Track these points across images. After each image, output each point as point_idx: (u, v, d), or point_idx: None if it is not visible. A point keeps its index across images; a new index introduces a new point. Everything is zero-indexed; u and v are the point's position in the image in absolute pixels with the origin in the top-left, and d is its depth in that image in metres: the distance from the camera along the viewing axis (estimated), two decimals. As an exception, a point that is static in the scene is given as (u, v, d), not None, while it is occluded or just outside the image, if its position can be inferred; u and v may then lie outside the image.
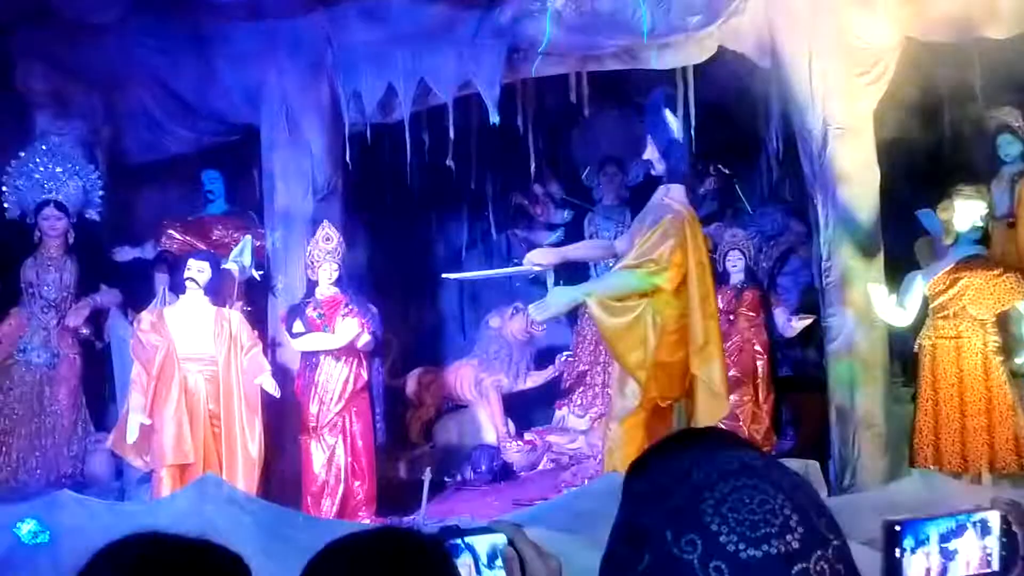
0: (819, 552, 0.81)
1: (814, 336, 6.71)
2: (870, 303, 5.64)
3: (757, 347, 6.42)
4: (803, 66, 5.91)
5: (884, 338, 5.91)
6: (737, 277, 6.54)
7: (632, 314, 4.78)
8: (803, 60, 5.91)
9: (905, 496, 4.81)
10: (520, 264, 5.39)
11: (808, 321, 6.44)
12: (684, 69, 6.49)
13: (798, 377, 7.12)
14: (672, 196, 4.98)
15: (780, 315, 6.50)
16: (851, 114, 5.93)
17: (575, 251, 5.39)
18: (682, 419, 5.00)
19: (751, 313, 6.47)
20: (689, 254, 4.84)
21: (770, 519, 0.81)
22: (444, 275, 6.00)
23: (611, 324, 4.82)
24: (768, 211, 7.86)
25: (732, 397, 6.31)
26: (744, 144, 7.54)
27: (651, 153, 5.10)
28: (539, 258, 5.24)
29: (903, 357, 6.21)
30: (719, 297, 6.46)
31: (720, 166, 7.66)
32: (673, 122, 5.10)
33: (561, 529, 3.65)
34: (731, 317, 6.46)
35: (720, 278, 6.61)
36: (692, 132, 6.63)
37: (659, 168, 5.06)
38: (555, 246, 6.37)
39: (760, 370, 6.43)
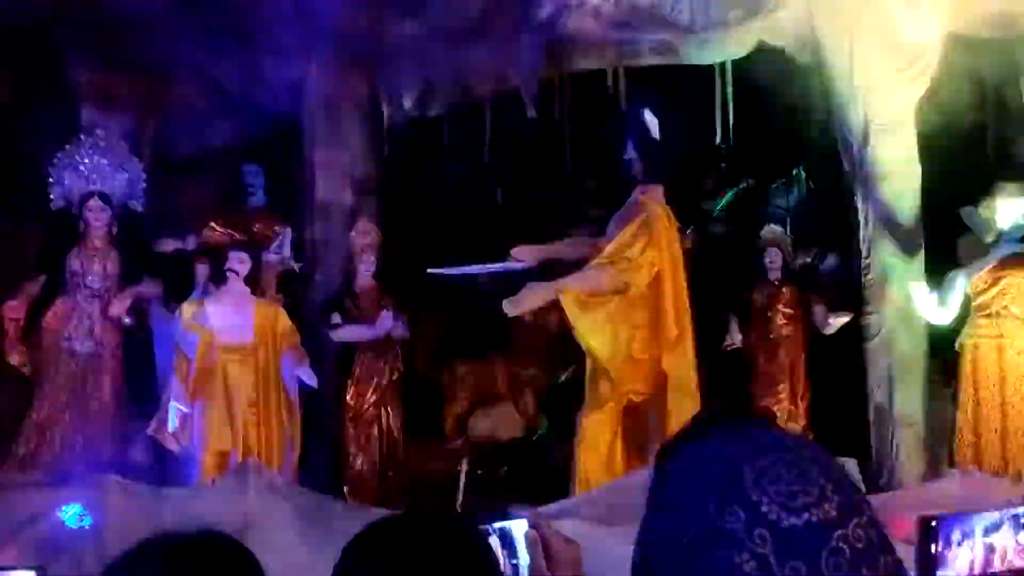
0: (855, 519, 0.84)
1: (852, 333, 6.64)
2: (910, 301, 5.59)
3: (795, 344, 6.38)
4: (844, 61, 5.86)
5: (924, 337, 5.85)
6: (775, 274, 6.50)
7: (604, 310, 4.86)
8: (844, 55, 5.86)
9: (944, 495, 4.77)
10: (505, 261, 5.42)
11: (846, 318, 6.39)
12: (722, 64, 6.46)
13: (836, 375, 7.06)
14: (648, 195, 5.03)
15: (818, 312, 6.45)
16: (893, 110, 5.87)
17: (559, 249, 5.42)
18: (655, 416, 5.02)
19: (788, 310, 6.42)
20: (663, 252, 4.89)
21: (808, 489, 0.85)
22: (429, 270, 6.08)
23: (583, 319, 4.90)
24: (806, 207, 7.80)
25: (771, 394, 6.31)
26: (782, 139, 7.48)
27: (630, 152, 5.16)
28: (522, 254, 5.30)
29: (943, 356, 6.14)
30: (757, 294, 6.45)
31: (758, 162, 7.60)
32: (652, 122, 5.13)
33: (595, 522, 3.67)
34: (768, 314, 6.42)
35: (758, 274, 6.58)
36: (731, 127, 6.61)
37: (638, 168, 5.09)
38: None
39: (797, 367, 6.39)
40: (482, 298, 8.77)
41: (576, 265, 5.06)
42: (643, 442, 5.03)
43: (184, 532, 1.05)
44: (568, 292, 4.90)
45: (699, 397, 5.06)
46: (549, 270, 5.26)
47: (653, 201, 5.01)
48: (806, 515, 0.83)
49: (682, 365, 4.89)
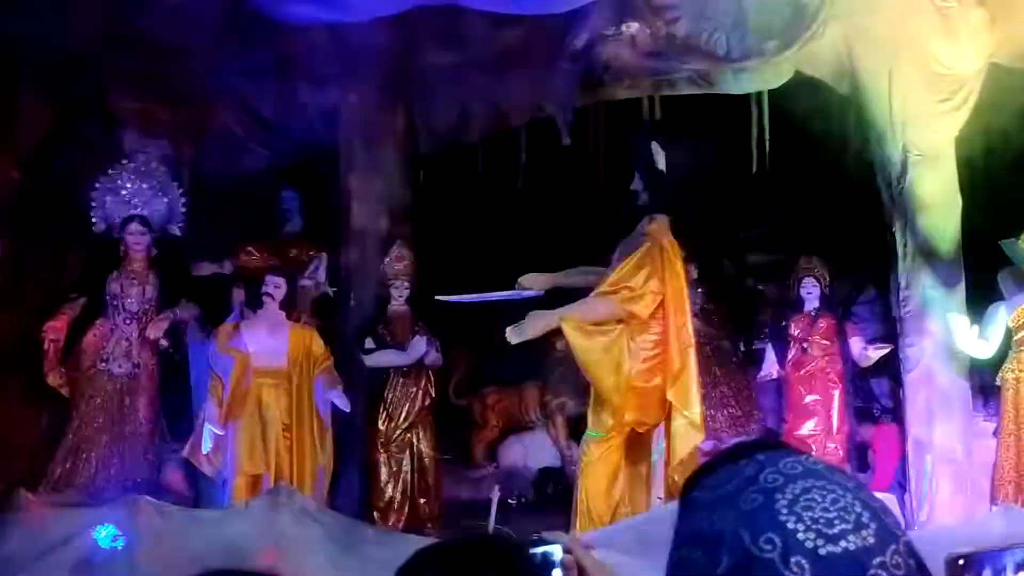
0: (893, 546, 0.84)
1: (891, 366, 6.55)
2: (950, 334, 5.50)
3: (831, 376, 6.30)
4: (883, 92, 5.82)
5: (964, 370, 5.76)
6: (812, 304, 6.43)
7: (607, 339, 4.87)
8: (883, 86, 5.82)
9: (985, 533, 4.66)
10: (515, 288, 5.48)
11: (885, 350, 6.30)
12: (759, 94, 6.45)
13: (874, 408, 6.96)
14: (654, 226, 5.05)
15: (856, 344, 6.37)
16: (932, 141, 5.82)
17: (567, 276, 5.44)
18: (659, 446, 5.01)
19: (826, 341, 6.35)
20: (666, 283, 4.90)
21: (844, 516, 0.84)
22: (437, 297, 6.13)
23: (586, 348, 4.91)
24: (844, 238, 7.72)
25: (807, 426, 6.23)
26: (820, 170, 7.44)
27: (636, 184, 5.18)
28: (530, 282, 5.33)
29: (984, 390, 6.03)
30: (794, 324, 6.39)
31: (794, 192, 7.56)
32: (658, 153, 5.16)
33: (627, 552, 3.62)
34: (805, 345, 6.35)
35: (795, 305, 6.52)
36: (767, 156, 6.59)
37: (643, 198, 5.13)
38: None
39: (834, 399, 6.30)
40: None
41: (584, 293, 5.07)
42: (646, 473, 5.02)
43: (245, 572, 1.03)
44: (570, 320, 4.92)
45: (703, 428, 5.04)
46: (557, 298, 5.26)
47: (658, 232, 5.04)
48: (844, 543, 0.82)
49: (685, 395, 4.88)
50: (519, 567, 1.08)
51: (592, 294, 4.99)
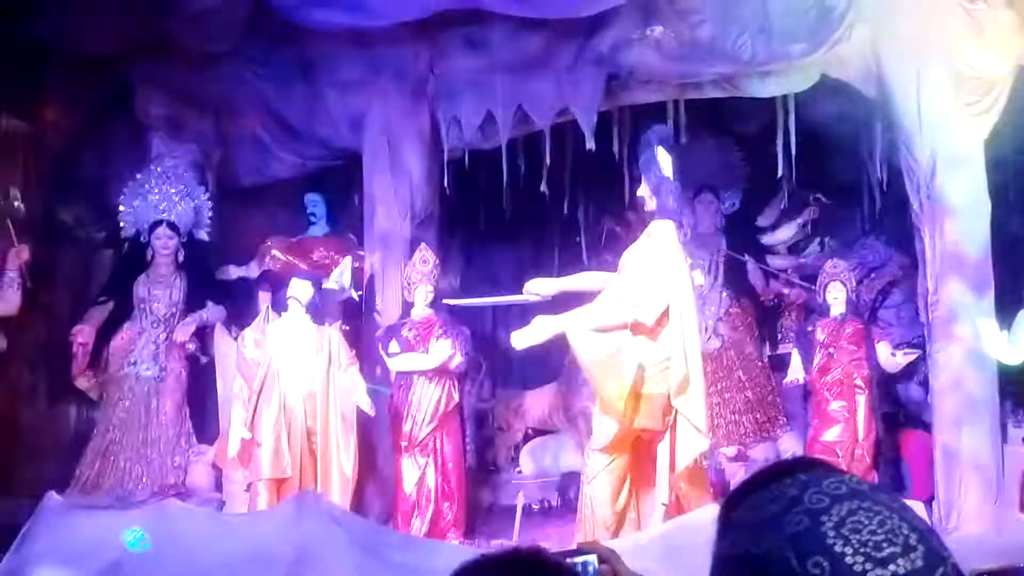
0: (941, 569, 0.83)
1: (919, 372, 6.49)
2: (979, 339, 5.44)
3: (858, 382, 6.24)
4: (911, 95, 5.76)
5: (994, 376, 5.68)
6: (838, 309, 6.37)
7: (612, 346, 4.84)
8: (911, 89, 5.76)
9: (1014, 541, 4.61)
10: (520, 293, 5.48)
11: (913, 356, 6.24)
12: (785, 97, 6.41)
13: (901, 414, 6.90)
14: (661, 232, 5.04)
15: (883, 349, 6.31)
16: (960, 144, 5.76)
17: (574, 282, 5.43)
18: (664, 453, 4.97)
19: (852, 347, 6.29)
20: (672, 288, 4.88)
21: (892, 539, 0.83)
22: (445, 300, 6.12)
23: (591, 355, 4.90)
24: (870, 242, 7.67)
25: (833, 432, 6.18)
26: (846, 174, 7.39)
27: (644, 190, 5.17)
28: (537, 287, 5.32)
29: (1015, 396, 5.95)
30: (821, 329, 6.34)
31: (820, 196, 7.51)
32: (665, 160, 5.14)
33: (657, 560, 3.61)
34: (831, 351, 6.30)
35: (820, 310, 6.48)
36: (792, 160, 6.55)
37: (651, 205, 5.11)
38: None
39: (861, 406, 6.24)
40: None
41: (591, 299, 5.07)
42: (651, 480, 5.00)
43: None
44: (575, 326, 4.92)
45: (709, 435, 5.02)
46: (564, 304, 5.26)
47: (664, 238, 5.02)
48: (893, 566, 0.81)
49: (691, 402, 4.84)
50: None
51: (597, 300, 5.00)
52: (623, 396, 4.78)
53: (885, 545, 0.82)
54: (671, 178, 5.10)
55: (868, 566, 0.81)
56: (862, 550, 0.82)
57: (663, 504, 4.88)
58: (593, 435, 5.10)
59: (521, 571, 1.06)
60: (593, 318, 4.92)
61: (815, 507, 0.86)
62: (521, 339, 5.08)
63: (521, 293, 5.39)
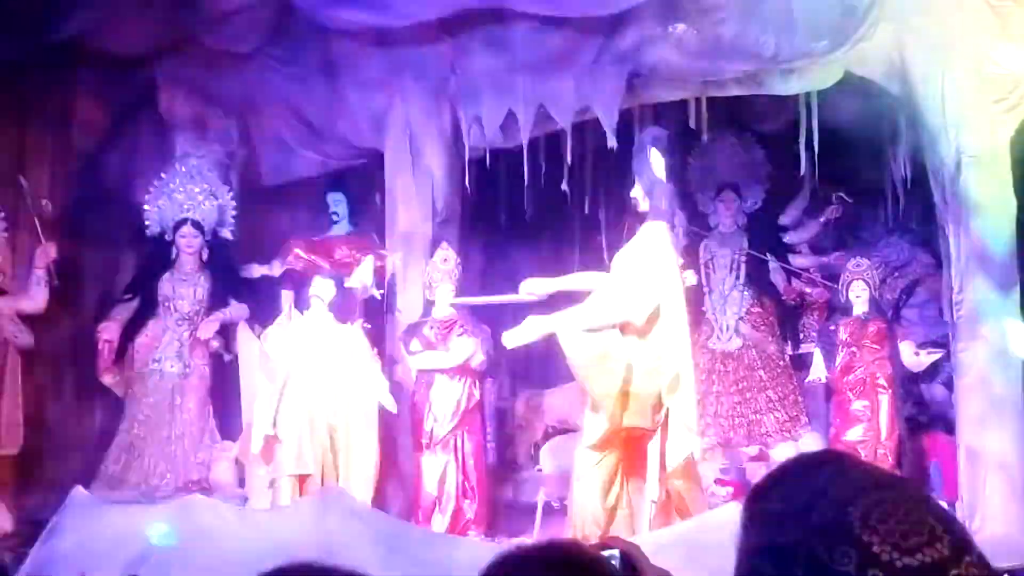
0: (967, 558, 0.84)
1: (942, 372, 6.44)
2: (1005, 339, 5.39)
3: (881, 381, 6.20)
4: (935, 92, 5.72)
5: (1019, 375, 5.64)
6: (861, 308, 6.34)
7: (601, 345, 4.89)
8: (936, 86, 5.72)
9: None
10: (517, 292, 5.59)
11: (937, 355, 6.20)
12: (808, 95, 6.38)
13: (925, 414, 6.84)
14: (652, 233, 5.09)
15: (907, 348, 6.26)
16: (986, 142, 5.71)
17: (571, 282, 5.50)
18: (654, 451, 5.03)
19: (875, 346, 6.26)
20: (663, 288, 4.92)
21: (918, 528, 0.84)
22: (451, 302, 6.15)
23: (580, 354, 4.95)
24: (894, 241, 7.61)
25: (855, 432, 6.15)
26: (869, 172, 7.34)
27: (637, 191, 5.22)
28: (534, 287, 5.39)
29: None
30: (843, 328, 6.31)
31: (843, 194, 7.46)
32: (658, 162, 5.20)
33: (680, 558, 3.61)
34: (854, 350, 6.26)
35: (843, 309, 6.44)
36: (815, 159, 6.51)
37: (644, 206, 5.16)
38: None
39: (884, 405, 6.21)
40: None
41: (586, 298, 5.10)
42: (643, 477, 5.04)
43: (330, 569, 1.03)
44: (565, 326, 4.97)
45: (699, 434, 5.09)
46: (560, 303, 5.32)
47: (655, 238, 5.08)
48: (919, 555, 0.82)
49: (681, 401, 4.90)
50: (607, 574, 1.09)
51: (588, 300, 5.06)
52: (612, 395, 4.85)
53: (912, 535, 0.83)
54: (664, 180, 5.17)
55: (895, 555, 0.82)
56: (889, 540, 0.83)
57: (652, 501, 4.94)
58: (584, 433, 5.18)
59: (559, 564, 1.07)
60: (583, 318, 4.99)
61: (842, 498, 0.87)
62: (512, 338, 5.19)
63: (527, 293, 5.46)
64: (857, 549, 0.83)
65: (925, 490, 0.93)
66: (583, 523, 4.96)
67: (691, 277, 5.68)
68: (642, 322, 4.88)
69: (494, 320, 6.85)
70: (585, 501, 4.99)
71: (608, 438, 4.95)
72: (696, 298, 7.49)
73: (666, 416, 4.94)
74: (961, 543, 0.84)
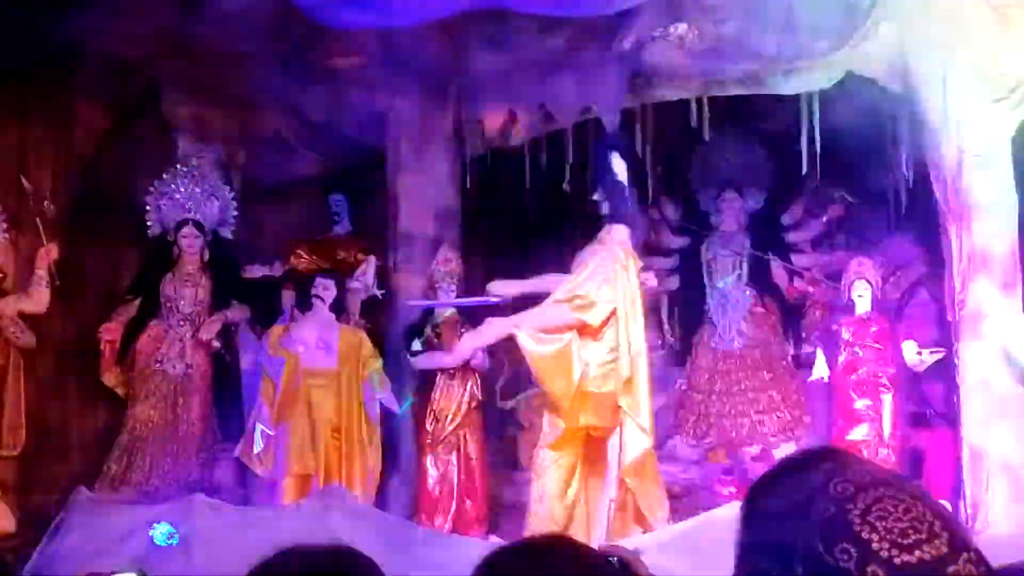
0: (965, 555, 0.85)
1: (945, 371, 6.43)
2: (1007, 338, 5.39)
3: (884, 381, 6.20)
4: (937, 91, 5.72)
5: (1022, 375, 5.62)
6: (863, 308, 6.33)
7: (558, 346, 5.01)
8: (937, 85, 5.72)
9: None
10: (482, 295, 5.72)
11: (939, 355, 6.19)
12: (810, 94, 6.38)
13: (927, 414, 6.84)
14: (611, 236, 5.20)
15: (909, 348, 6.26)
16: (988, 141, 5.70)
17: (535, 284, 5.57)
18: (613, 451, 5.12)
19: (878, 345, 6.26)
20: (619, 292, 5.03)
21: (917, 526, 0.85)
22: (408, 302, 6.18)
23: (538, 354, 5.07)
24: (895, 240, 7.60)
25: (858, 431, 6.15)
26: (871, 171, 7.33)
27: (599, 195, 5.33)
28: (499, 289, 5.53)
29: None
30: (846, 328, 6.31)
31: (845, 194, 7.46)
32: (619, 165, 5.32)
33: (682, 558, 3.61)
34: (856, 349, 6.26)
35: (846, 309, 6.44)
36: (817, 158, 6.51)
37: (605, 209, 5.27)
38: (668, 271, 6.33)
39: (886, 405, 6.21)
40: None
41: None
42: (600, 477, 5.13)
43: (318, 546, 1.07)
44: (524, 328, 5.09)
45: (653, 434, 5.16)
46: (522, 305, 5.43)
47: (614, 241, 5.18)
48: (919, 552, 0.83)
49: (635, 401, 5.01)
50: (604, 571, 1.09)
51: (546, 302, 5.16)
52: (568, 395, 4.96)
53: (911, 532, 0.84)
54: (625, 183, 5.28)
55: (894, 552, 0.83)
56: (888, 537, 0.84)
57: (610, 500, 5.03)
58: (543, 432, 5.28)
59: (556, 556, 1.07)
60: (541, 319, 5.11)
61: (841, 495, 0.88)
62: (471, 340, 5.34)
63: (488, 295, 5.58)
64: (857, 546, 0.84)
65: (923, 487, 0.93)
66: (541, 521, 5.05)
67: (651, 279, 5.81)
68: (598, 323, 4.99)
69: (480, 322, 6.86)
70: (544, 499, 5.09)
71: (566, 437, 5.06)
72: (697, 298, 7.51)
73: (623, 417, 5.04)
74: (959, 540, 0.85)
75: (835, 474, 0.91)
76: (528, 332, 5.05)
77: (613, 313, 4.99)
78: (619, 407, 5.00)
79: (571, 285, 5.08)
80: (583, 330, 5.00)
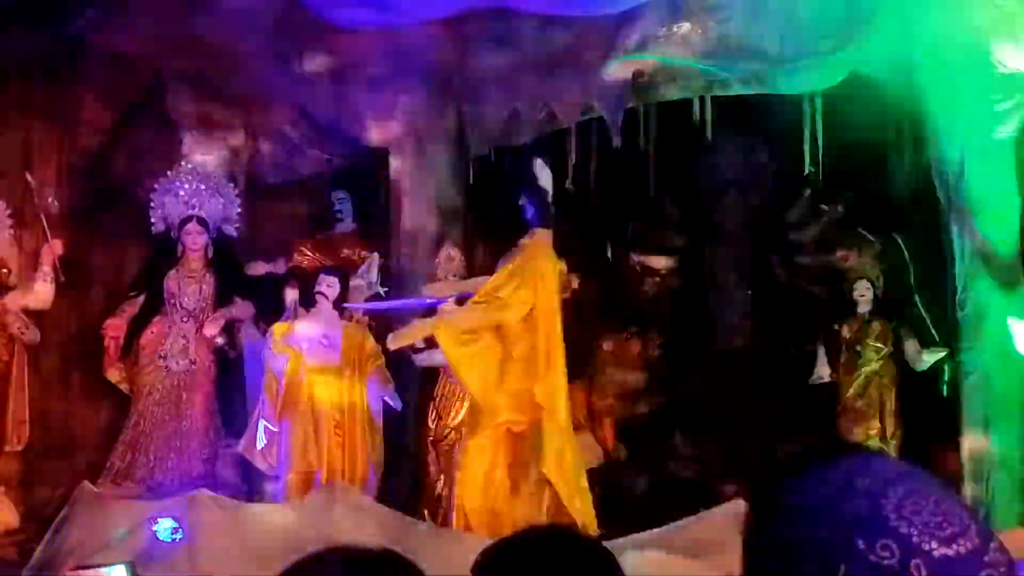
0: (992, 544, 0.85)
1: (946, 370, 6.44)
2: (1009, 338, 5.40)
3: (885, 380, 6.22)
4: (940, 91, 5.73)
5: (1023, 375, 5.63)
6: (865, 307, 6.35)
7: (476, 344, 5.25)
8: (940, 85, 5.73)
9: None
10: (419, 296, 5.98)
11: (941, 354, 6.20)
12: (812, 94, 6.38)
13: (928, 412, 6.84)
14: (533, 239, 5.39)
15: (910, 347, 6.27)
16: (990, 141, 5.71)
17: (467, 284, 5.79)
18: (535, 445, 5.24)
19: (879, 344, 6.27)
20: (537, 292, 5.23)
21: (950, 519, 0.85)
22: (344, 304, 6.24)
23: (457, 353, 5.31)
24: (897, 240, 7.60)
25: (859, 430, 6.16)
26: (874, 170, 7.34)
27: (523, 200, 5.52)
28: (434, 291, 5.80)
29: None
30: (846, 327, 6.31)
31: (847, 193, 7.46)
32: (543, 171, 5.52)
33: (681, 554, 3.62)
34: (858, 348, 6.27)
35: (847, 308, 6.44)
36: (820, 158, 6.52)
37: (529, 213, 5.46)
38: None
39: (888, 404, 6.22)
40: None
41: None
42: (523, 471, 5.24)
43: (361, 547, 1.05)
44: (444, 328, 5.32)
45: (569, 429, 5.35)
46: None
47: (535, 244, 5.35)
48: (955, 545, 0.83)
49: (553, 398, 5.18)
50: (602, 560, 1.10)
51: (468, 302, 5.37)
52: (487, 392, 5.18)
53: (945, 525, 0.84)
54: (548, 189, 5.49)
55: (934, 544, 0.83)
56: (925, 530, 0.84)
57: (531, 494, 5.14)
58: (466, 428, 5.47)
59: (557, 547, 1.08)
60: (463, 319, 5.33)
61: (871, 490, 0.87)
62: (396, 340, 5.49)
63: (423, 297, 5.83)
64: (897, 541, 0.83)
65: (943, 481, 0.92)
66: (465, 515, 5.17)
67: (574, 280, 5.97)
68: (515, 323, 5.19)
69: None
70: (466, 494, 5.21)
71: (488, 433, 5.22)
72: (698, 298, 7.52)
73: (542, 412, 5.19)
74: (986, 531, 0.86)
75: (856, 468, 0.90)
76: (448, 332, 5.27)
77: (531, 313, 5.19)
78: (537, 403, 5.16)
79: (490, 287, 5.30)
80: (501, 330, 5.21)
